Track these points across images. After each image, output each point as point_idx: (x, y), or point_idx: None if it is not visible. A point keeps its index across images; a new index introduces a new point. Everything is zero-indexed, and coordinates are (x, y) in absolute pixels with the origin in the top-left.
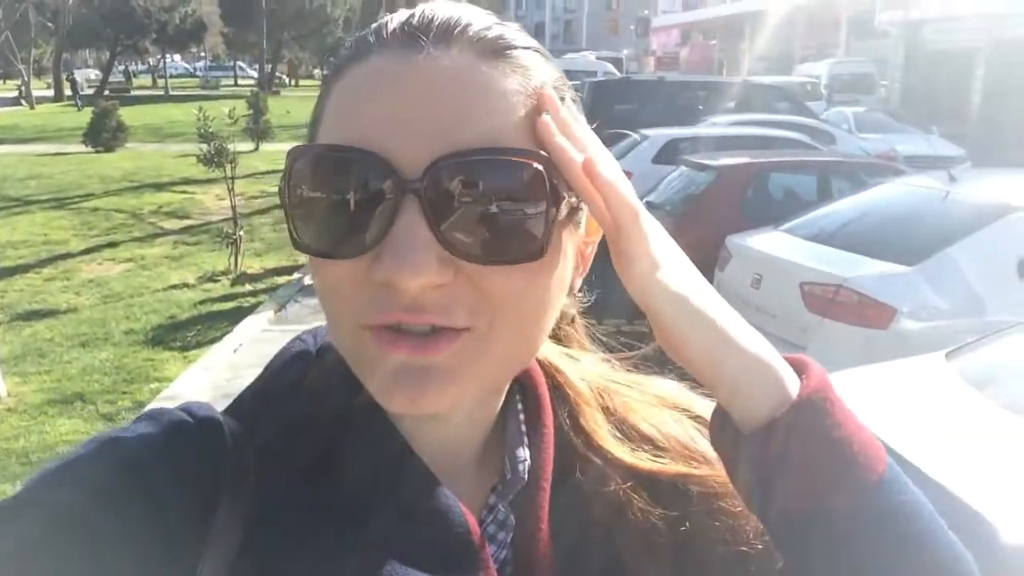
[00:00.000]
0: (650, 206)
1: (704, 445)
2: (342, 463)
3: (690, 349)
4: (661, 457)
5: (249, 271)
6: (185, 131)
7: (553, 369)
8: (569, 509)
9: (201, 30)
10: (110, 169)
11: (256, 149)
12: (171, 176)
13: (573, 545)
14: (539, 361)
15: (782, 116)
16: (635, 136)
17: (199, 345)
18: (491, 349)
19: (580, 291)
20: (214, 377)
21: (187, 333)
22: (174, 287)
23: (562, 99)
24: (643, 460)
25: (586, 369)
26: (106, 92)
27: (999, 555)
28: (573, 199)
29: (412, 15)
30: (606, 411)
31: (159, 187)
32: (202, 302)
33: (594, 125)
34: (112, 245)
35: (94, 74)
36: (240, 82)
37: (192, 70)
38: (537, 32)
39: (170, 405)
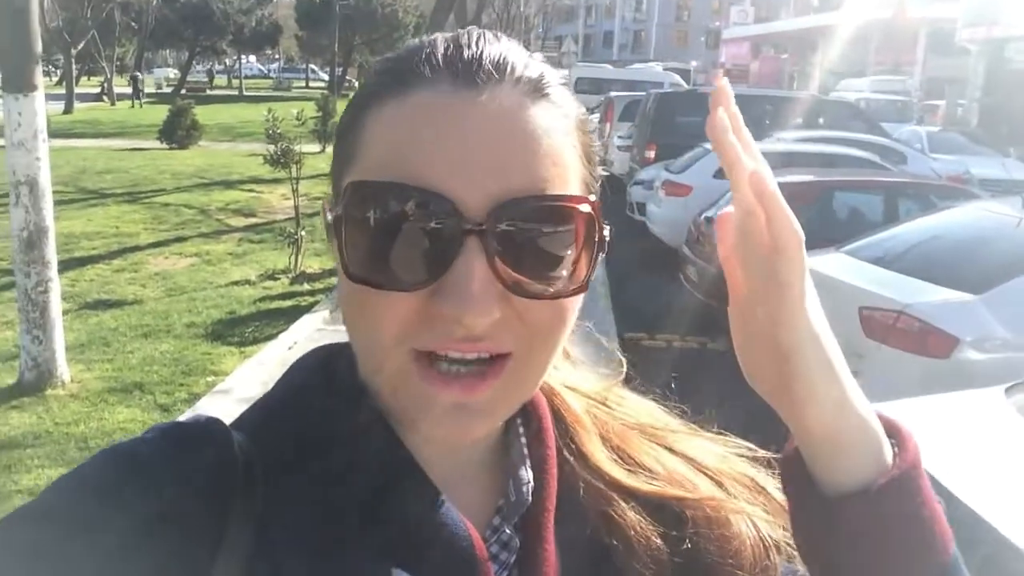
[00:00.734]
0: (710, 222)
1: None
2: (349, 478)
3: (815, 402)
4: (656, 480)
5: (308, 271)
6: (256, 131)
7: (550, 392)
8: (573, 530)
9: (276, 33)
10: (182, 166)
11: (322, 151)
12: (240, 175)
13: (577, 566)
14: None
15: (850, 134)
16: (699, 149)
17: (255, 341)
18: (527, 375)
19: None
20: (267, 373)
21: (245, 329)
22: (236, 283)
23: (591, 131)
24: (640, 482)
25: (577, 385)
26: (183, 91)
27: None
28: (606, 232)
29: (460, 50)
30: (602, 437)
31: (228, 185)
32: (261, 299)
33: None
34: (180, 240)
35: (173, 73)
36: (311, 84)
37: (266, 71)
38: (606, 42)
39: (224, 399)
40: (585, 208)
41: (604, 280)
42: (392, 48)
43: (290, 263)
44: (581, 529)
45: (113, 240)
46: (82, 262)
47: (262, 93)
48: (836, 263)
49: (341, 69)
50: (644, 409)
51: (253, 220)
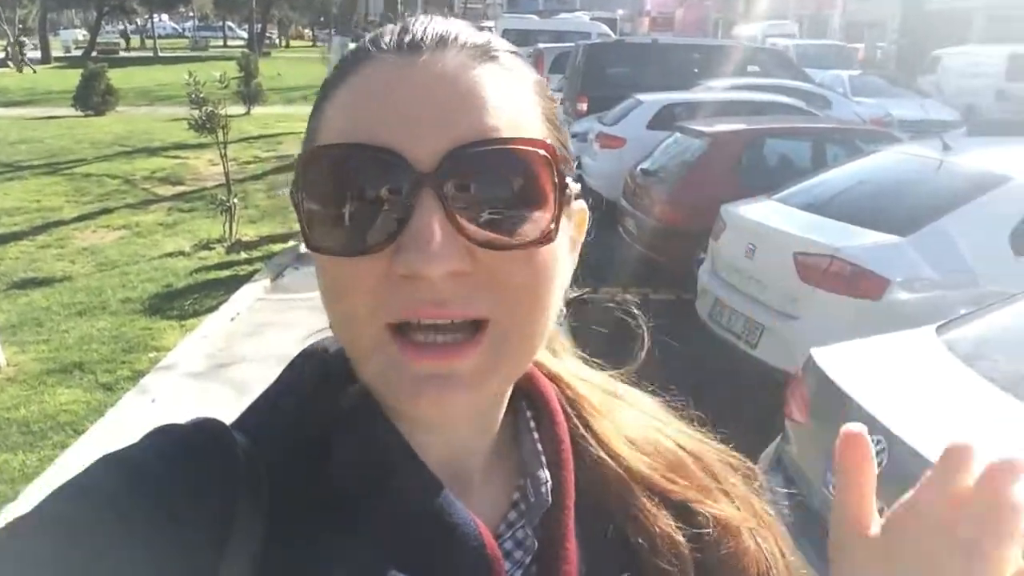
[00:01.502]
0: (645, 173)
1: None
2: (351, 476)
3: None
4: (677, 482)
5: (244, 238)
6: (176, 94)
7: (560, 380)
8: (594, 525)
9: None
10: (101, 134)
11: (247, 113)
12: (163, 141)
13: (599, 562)
14: (543, 372)
15: (778, 80)
16: (631, 100)
17: (196, 314)
18: (513, 345)
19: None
20: (210, 346)
21: (184, 302)
22: (169, 255)
23: (550, 98)
24: (657, 474)
25: (589, 377)
26: (93, 54)
27: None
28: (569, 186)
29: (406, 28)
30: (617, 426)
31: (151, 152)
32: (198, 270)
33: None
34: (106, 212)
35: (82, 35)
36: (230, 43)
37: (180, 30)
38: None
39: (169, 375)
40: (541, 152)
41: None
42: (311, 2)
43: (224, 231)
44: (603, 524)
45: (36, 215)
46: (3, 239)
47: (178, 54)
48: (769, 210)
49: (260, 26)
50: (650, 406)
51: (181, 188)
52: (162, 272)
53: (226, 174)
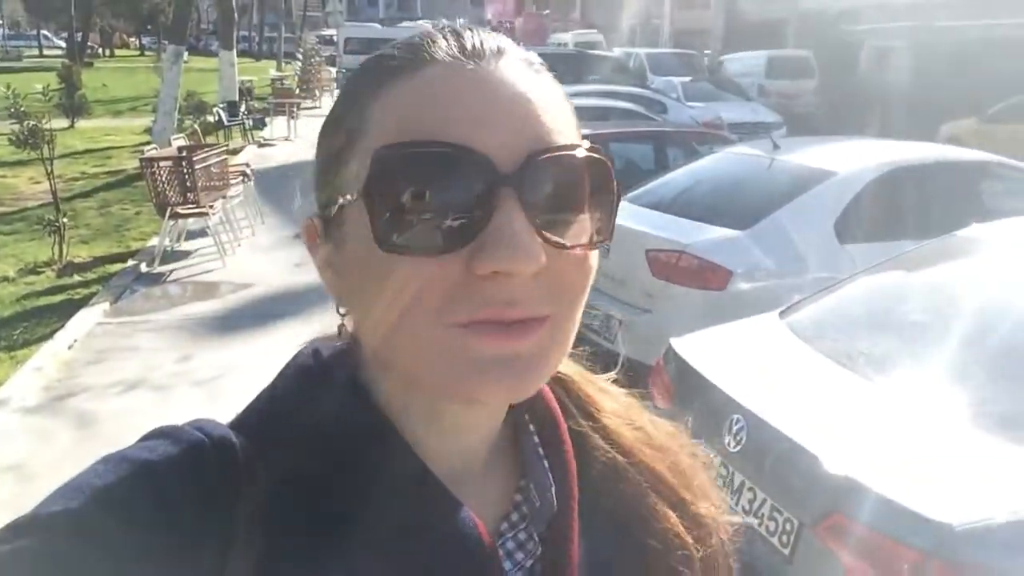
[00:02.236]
0: None
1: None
2: (354, 480)
3: None
4: (680, 484)
5: (76, 260)
6: None
7: (564, 379)
8: (602, 526)
9: None
10: None
11: (72, 126)
12: None
13: (606, 563)
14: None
15: (618, 87)
16: None
17: (27, 344)
18: (562, 339)
19: None
20: (45, 378)
21: (12, 332)
22: None
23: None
24: (668, 472)
25: (586, 376)
26: None
27: (828, 483)
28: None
29: (462, 38)
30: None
31: None
32: (25, 296)
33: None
34: None
35: None
36: (46, 52)
37: None
38: (370, 0)
39: (5, 411)
40: (602, 159)
41: None
42: (138, 8)
43: (53, 254)
44: (611, 524)
45: None
46: None
47: None
48: (622, 211)
49: (80, 35)
50: (625, 399)
51: (0, 209)
52: None
53: (53, 192)
